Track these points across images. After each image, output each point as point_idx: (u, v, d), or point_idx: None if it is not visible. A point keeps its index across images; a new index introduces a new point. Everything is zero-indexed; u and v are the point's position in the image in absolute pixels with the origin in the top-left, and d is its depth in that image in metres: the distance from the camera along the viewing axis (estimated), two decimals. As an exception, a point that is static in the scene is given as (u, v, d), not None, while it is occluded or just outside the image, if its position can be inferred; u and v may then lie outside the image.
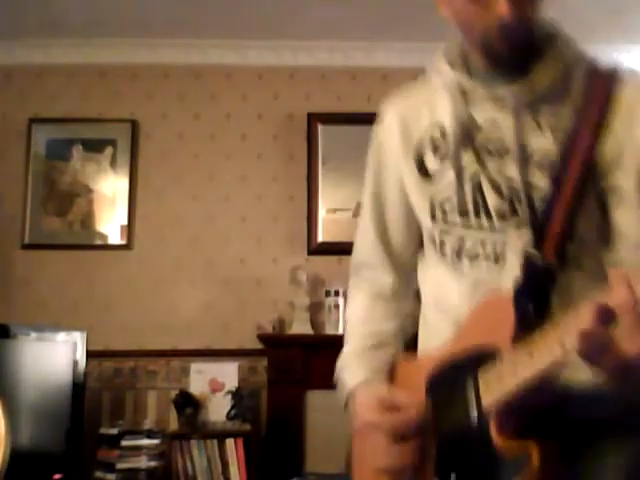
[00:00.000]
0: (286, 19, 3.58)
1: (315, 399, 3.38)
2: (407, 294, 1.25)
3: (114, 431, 3.17)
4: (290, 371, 3.37)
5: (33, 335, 3.04)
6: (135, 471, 3.10)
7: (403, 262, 1.23)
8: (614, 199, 1.02)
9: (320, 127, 3.80)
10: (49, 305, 3.58)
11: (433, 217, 1.12)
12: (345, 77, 3.87)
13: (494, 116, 1.06)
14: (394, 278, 1.24)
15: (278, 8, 3.49)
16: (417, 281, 1.23)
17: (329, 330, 3.51)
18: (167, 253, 3.69)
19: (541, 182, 1.02)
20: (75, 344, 3.15)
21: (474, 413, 0.94)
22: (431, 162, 1.12)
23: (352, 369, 1.18)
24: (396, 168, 1.18)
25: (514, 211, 1.04)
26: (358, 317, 1.25)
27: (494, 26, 0.98)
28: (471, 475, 0.96)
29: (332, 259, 3.55)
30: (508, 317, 0.95)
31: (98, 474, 3.11)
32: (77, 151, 3.76)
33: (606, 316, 0.76)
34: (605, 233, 1.03)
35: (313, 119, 3.80)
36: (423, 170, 1.13)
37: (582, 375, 0.90)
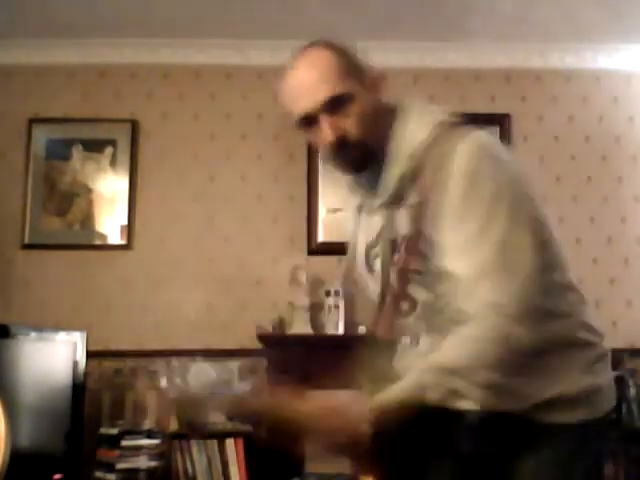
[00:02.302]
0: (286, 19, 3.58)
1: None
2: None
3: (114, 431, 3.17)
4: (290, 371, 3.37)
5: (33, 335, 3.04)
6: (135, 471, 3.10)
7: None
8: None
9: (320, 127, 3.79)
10: (49, 305, 3.58)
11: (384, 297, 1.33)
12: (345, 77, 3.86)
13: (378, 219, 1.29)
14: None
15: (278, 8, 3.49)
16: None
17: (329, 330, 3.51)
18: (167, 253, 3.69)
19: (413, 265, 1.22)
20: (75, 344, 3.15)
21: None
22: (373, 264, 1.37)
23: None
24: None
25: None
26: None
27: (328, 145, 1.23)
28: None
29: (332, 259, 3.54)
30: None
31: (98, 474, 3.11)
32: (77, 151, 3.76)
33: None
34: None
35: (313, 119, 3.80)
36: (371, 270, 1.37)
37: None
